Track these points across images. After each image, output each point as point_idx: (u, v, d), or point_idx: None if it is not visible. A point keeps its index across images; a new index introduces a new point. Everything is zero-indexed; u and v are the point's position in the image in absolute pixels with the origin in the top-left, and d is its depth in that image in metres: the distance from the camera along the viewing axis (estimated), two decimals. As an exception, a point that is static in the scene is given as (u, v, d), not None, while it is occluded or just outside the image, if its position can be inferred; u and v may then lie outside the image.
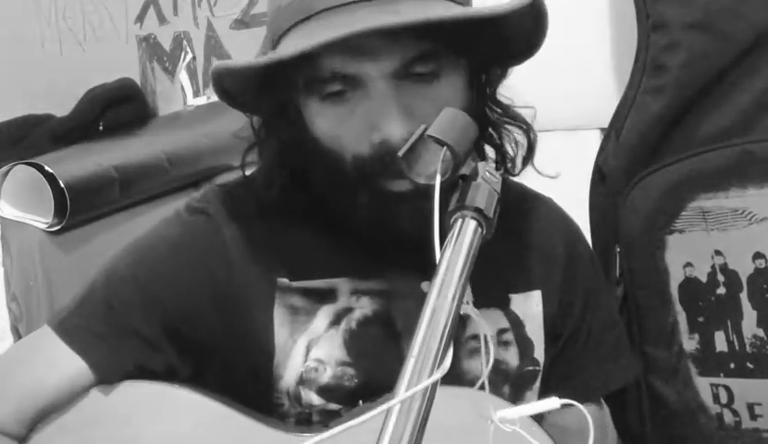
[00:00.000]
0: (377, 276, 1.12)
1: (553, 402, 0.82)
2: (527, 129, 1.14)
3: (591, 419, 0.88)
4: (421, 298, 1.10)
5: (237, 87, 1.07)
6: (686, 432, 1.44)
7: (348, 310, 1.11)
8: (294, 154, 1.09)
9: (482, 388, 0.87)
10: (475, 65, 1.08)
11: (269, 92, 1.08)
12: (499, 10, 1.01)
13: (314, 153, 1.06)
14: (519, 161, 1.15)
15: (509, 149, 1.15)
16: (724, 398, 1.42)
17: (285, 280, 1.11)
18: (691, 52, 1.41)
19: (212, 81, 1.06)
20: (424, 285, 1.11)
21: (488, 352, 0.86)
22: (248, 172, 1.17)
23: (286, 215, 1.13)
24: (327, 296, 1.11)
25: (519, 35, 1.07)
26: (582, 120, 1.73)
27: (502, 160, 1.15)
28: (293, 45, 0.99)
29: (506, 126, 1.15)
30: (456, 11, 1.01)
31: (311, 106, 1.05)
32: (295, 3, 1.03)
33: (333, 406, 1.10)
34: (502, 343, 1.15)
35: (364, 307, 1.11)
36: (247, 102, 1.10)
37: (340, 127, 1.03)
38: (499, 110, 1.14)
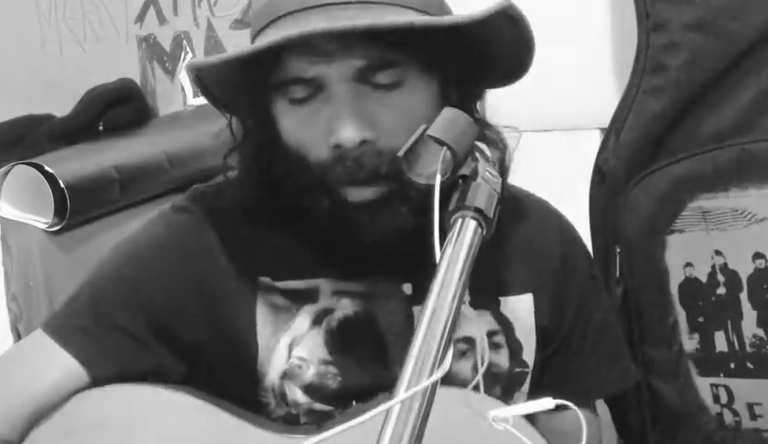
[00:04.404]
0: (358, 277, 1.12)
1: (547, 403, 0.82)
2: (502, 150, 1.13)
3: (585, 422, 0.87)
4: (402, 299, 1.11)
5: (215, 84, 1.09)
6: (686, 432, 1.44)
7: (329, 311, 1.12)
8: (268, 157, 1.10)
9: (476, 388, 0.87)
10: (449, 80, 1.08)
11: (244, 92, 1.09)
12: (456, 19, 1.03)
13: (282, 155, 1.07)
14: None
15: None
16: (724, 398, 1.42)
17: (268, 280, 1.12)
18: (691, 52, 1.41)
19: (189, 77, 1.08)
20: (405, 286, 1.12)
21: (482, 353, 0.86)
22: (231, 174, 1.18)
23: (269, 215, 1.13)
24: (308, 296, 1.12)
25: (504, 56, 1.08)
26: (582, 120, 1.73)
27: None
28: (254, 45, 1.02)
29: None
30: (405, 19, 1.00)
31: (279, 109, 1.06)
32: (268, 5, 1.05)
33: (319, 406, 1.11)
34: (493, 345, 1.15)
35: (345, 308, 1.12)
36: (226, 100, 1.12)
37: (303, 131, 1.05)
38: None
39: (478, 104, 1.14)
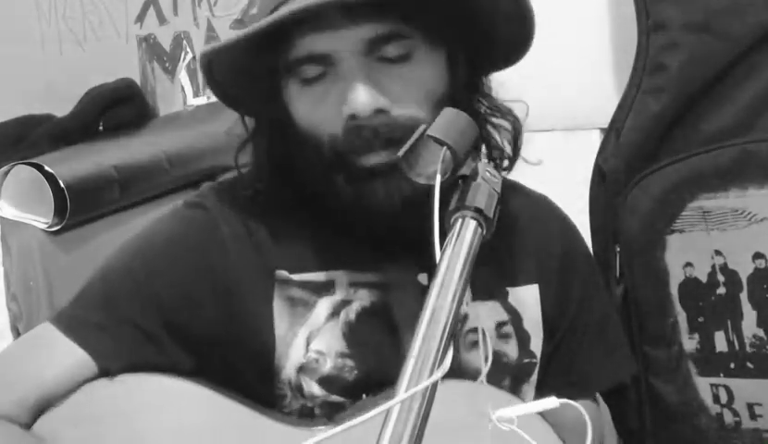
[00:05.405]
0: (374, 268, 1.13)
1: (552, 402, 0.82)
2: (513, 122, 1.15)
3: (588, 416, 0.88)
4: (418, 289, 1.12)
5: (228, 72, 1.10)
6: (686, 432, 1.44)
7: (346, 302, 1.12)
8: (281, 145, 1.12)
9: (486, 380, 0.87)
10: (456, 54, 1.10)
11: (256, 79, 1.10)
12: None
13: (295, 139, 1.09)
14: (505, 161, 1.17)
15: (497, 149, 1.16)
16: (724, 398, 1.41)
17: (284, 273, 1.12)
18: (691, 52, 1.41)
19: (202, 71, 1.09)
20: (421, 277, 1.12)
21: (486, 349, 0.87)
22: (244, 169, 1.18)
23: (283, 208, 1.14)
24: (325, 288, 1.12)
25: (506, 37, 1.10)
26: (582, 120, 1.73)
27: (489, 158, 1.15)
28: (260, 22, 1.03)
29: (493, 124, 1.16)
30: None
31: (291, 91, 1.08)
32: None
33: (335, 398, 1.11)
34: (502, 336, 1.16)
35: (362, 299, 1.12)
36: (238, 95, 1.13)
37: (316, 109, 1.06)
38: (485, 103, 1.16)
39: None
